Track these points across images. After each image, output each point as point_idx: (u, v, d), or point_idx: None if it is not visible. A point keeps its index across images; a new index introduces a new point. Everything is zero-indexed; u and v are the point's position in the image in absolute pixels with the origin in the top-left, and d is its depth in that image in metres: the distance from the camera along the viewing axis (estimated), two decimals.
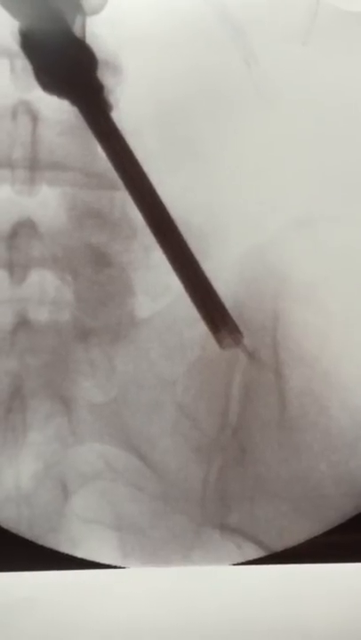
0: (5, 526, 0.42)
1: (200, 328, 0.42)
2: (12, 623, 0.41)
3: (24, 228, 0.42)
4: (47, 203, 0.42)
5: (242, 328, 0.42)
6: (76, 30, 0.42)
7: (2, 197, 0.42)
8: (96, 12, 0.42)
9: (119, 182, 0.42)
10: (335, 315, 0.43)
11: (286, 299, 0.42)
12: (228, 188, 0.42)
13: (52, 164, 0.42)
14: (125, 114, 0.42)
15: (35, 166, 0.42)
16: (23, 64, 0.42)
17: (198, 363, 0.43)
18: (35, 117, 0.42)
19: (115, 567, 0.43)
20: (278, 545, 0.43)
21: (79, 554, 0.43)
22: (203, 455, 0.43)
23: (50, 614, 0.41)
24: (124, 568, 0.43)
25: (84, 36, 0.42)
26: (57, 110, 0.42)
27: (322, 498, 0.43)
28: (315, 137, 0.42)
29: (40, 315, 0.42)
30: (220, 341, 0.42)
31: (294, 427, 0.43)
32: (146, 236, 0.42)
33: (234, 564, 0.43)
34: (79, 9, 0.42)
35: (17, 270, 0.42)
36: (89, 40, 0.42)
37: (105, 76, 0.42)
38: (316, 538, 0.43)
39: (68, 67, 0.42)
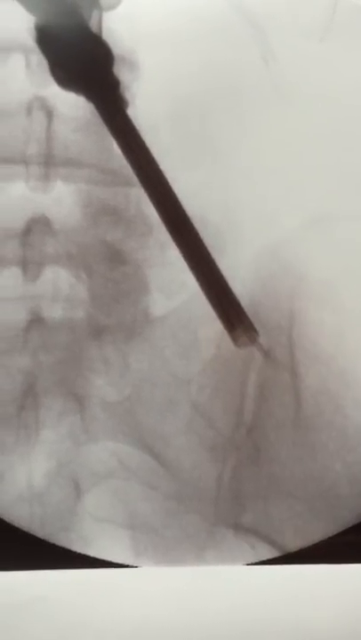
0: (18, 525, 0.42)
1: (215, 326, 0.42)
2: (24, 622, 0.41)
3: (38, 225, 0.42)
4: (62, 199, 0.42)
5: (257, 326, 0.42)
6: (93, 26, 0.41)
7: (16, 194, 0.42)
8: (113, 7, 0.41)
9: (134, 179, 0.42)
10: (351, 313, 0.42)
11: (302, 297, 0.42)
12: (245, 185, 0.42)
13: (67, 161, 0.42)
14: (141, 110, 0.42)
15: (49, 162, 0.42)
16: (39, 59, 0.41)
17: (213, 361, 0.42)
18: (50, 113, 0.42)
19: (127, 566, 0.43)
20: (292, 545, 0.42)
21: (91, 553, 0.42)
22: (217, 454, 0.42)
23: (62, 613, 0.41)
24: (136, 567, 0.43)
25: (101, 32, 0.41)
26: (72, 106, 0.42)
27: (337, 498, 0.42)
28: (332, 134, 0.42)
29: (54, 312, 0.42)
30: (235, 340, 0.42)
31: (310, 426, 0.42)
32: (161, 234, 0.42)
33: (247, 564, 0.43)
34: (95, 4, 0.41)
35: (31, 267, 0.42)
36: (105, 36, 0.41)
37: (121, 72, 0.42)
38: (330, 538, 0.42)
39: (83, 62, 0.42)
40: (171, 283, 0.42)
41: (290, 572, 0.42)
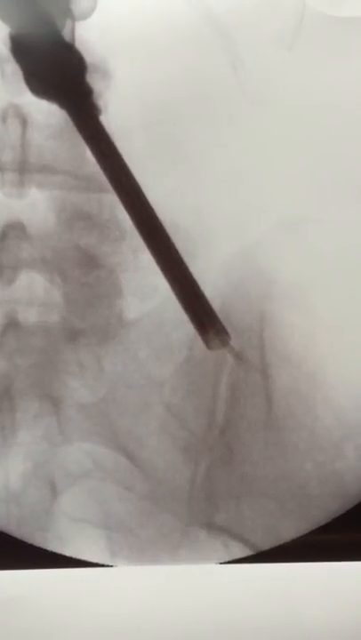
0: None
1: (188, 329, 0.43)
2: (0, 621, 0.41)
3: (13, 231, 0.42)
4: (36, 205, 0.42)
5: (229, 329, 0.43)
6: (66, 35, 0.42)
7: None
8: (85, 16, 0.42)
9: (108, 185, 0.42)
10: (321, 316, 0.43)
11: (273, 300, 0.43)
12: (216, 190, 0.43)
13: (42, 167, 0.42)
14: (114, 117, 0.42)
15: (24, 169, 0.42)
16: (13, 68, 0.42)
17: (186, 363, 0.43)
18: (24, 121, 0.42)
19: (103, 566, 0.43)
20: (264, 544, 0.43)
21: (67, 552, 0.43)
22: (190, 455, 0.43)
23: (37, 613, 0.42)
24: (111, 567, 0.43)
25: (74, 41, 0.42)
26: (46, 114, 0.42)
27: (308, 497, 0.43)
28: (301, 140, 0.43)
29: (29, 316, 0.43)
30: (207, 342, 0.43)
31: (281, 427, 0.43)
32: (134, 238, 0.43)
33: (220, 563, 0.43)
34: (69, 14, 0.42)
35: (6, 272, 0.43)
36: (78, 44, 0.42)
37: (94, 80, 0.42)
38: (302, 537, 0.43)
39: (57, 71, 0.42)
40: (144, 287, 0.43)
41: (262, 570, 0.43)
